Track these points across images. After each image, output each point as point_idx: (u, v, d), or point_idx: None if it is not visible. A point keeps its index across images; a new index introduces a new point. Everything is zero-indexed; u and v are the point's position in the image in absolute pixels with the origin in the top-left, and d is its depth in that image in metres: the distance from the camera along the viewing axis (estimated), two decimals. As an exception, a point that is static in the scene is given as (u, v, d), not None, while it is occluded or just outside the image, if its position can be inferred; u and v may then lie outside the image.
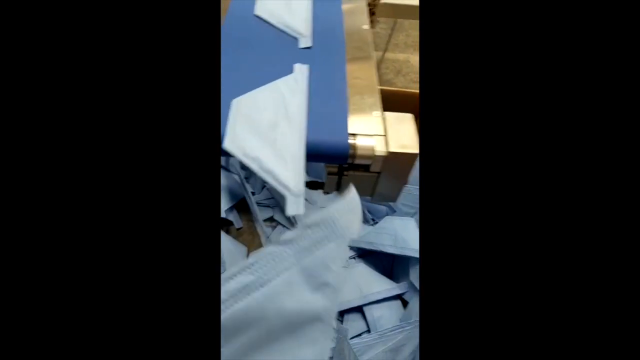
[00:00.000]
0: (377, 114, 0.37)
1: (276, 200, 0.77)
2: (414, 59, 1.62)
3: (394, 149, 0.35)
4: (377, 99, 0.39)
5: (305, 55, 0.42)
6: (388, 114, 0.38)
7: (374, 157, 0.35)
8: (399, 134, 0.36)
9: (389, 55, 1.62)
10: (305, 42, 0.44)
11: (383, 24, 1.79)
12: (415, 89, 0.90)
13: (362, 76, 0.41)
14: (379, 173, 0.37)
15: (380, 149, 0.35)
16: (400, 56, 1.62)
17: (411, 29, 1.78)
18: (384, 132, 0.36)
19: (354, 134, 0.35)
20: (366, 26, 0.48)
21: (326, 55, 0.42)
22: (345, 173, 0.38)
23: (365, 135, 0.35)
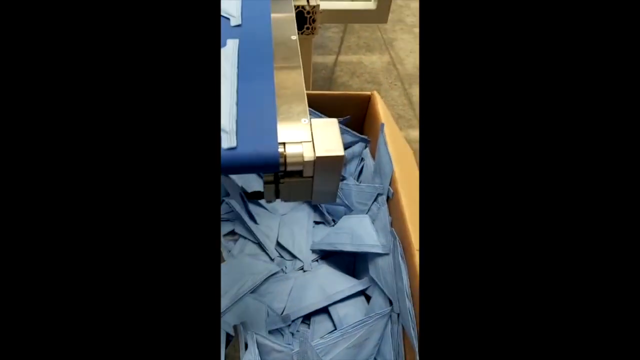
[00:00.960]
0: (305, 121, 0.39)
1: (236, 213, 0.77)
2: (367, 59, 1.66)
3: (320, 153, 0.36)
4: (304, 107, 0.40)
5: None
6: (315, 120, 0.39)
7: (303, 163, 0.37)
8: (325, 139, 0.37)
9: (342, 58, 1.65)
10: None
11: (335, 27, 1.82)
12: (369, 89, 0.93)
13: (289, 86, 0.42)
14: (312, 177, 0.38)
15: (308, 154, 0.36)
16: (354, 58, 1.65)
17: (362, 31, 1.82)
18: (311, 139, 0.37)
19: (283, 143, 0.37)
20: (294, 36, 0.49)
21: (254, 69, 0.44)
22: (282, 180, 0.39)
23: (293, 142, 0.37)
